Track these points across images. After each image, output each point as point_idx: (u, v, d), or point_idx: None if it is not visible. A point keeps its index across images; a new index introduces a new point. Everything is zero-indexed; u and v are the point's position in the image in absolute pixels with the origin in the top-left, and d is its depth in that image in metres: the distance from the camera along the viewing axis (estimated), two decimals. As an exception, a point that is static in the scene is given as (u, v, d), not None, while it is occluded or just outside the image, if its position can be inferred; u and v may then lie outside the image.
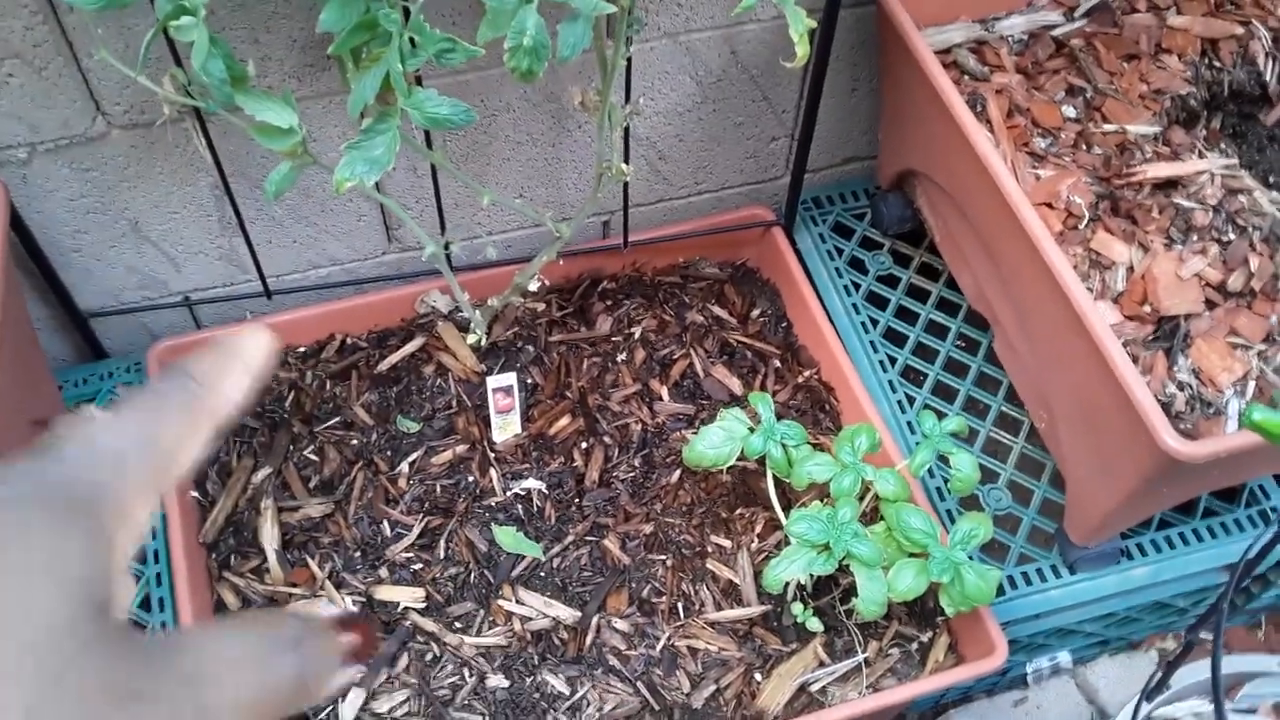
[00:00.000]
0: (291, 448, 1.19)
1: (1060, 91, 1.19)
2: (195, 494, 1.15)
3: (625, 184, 1.22)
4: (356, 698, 1.04)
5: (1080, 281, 0.97)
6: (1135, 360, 0.99)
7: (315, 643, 0.36)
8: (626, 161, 1.10)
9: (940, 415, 1.06)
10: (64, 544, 0.29)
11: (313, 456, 1.19)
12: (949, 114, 1.08)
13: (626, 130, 1.12)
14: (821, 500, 1.07)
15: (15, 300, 1.06)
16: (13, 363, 0.99)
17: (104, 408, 0.34)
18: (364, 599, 1.10)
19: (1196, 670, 1.09)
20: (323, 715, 1.03)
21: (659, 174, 1.33)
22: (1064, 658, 1.33)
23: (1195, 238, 1.06)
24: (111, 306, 1.24)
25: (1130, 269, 1.05)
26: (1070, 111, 1.17)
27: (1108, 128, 1.15)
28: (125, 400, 0.34)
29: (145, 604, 1.10)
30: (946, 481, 1.20)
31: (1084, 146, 1.14)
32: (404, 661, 1.07)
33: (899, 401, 1.25)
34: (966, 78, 1.19)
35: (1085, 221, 1.07)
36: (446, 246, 1.14)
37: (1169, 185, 1.09)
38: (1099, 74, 1.19)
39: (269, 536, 1.13)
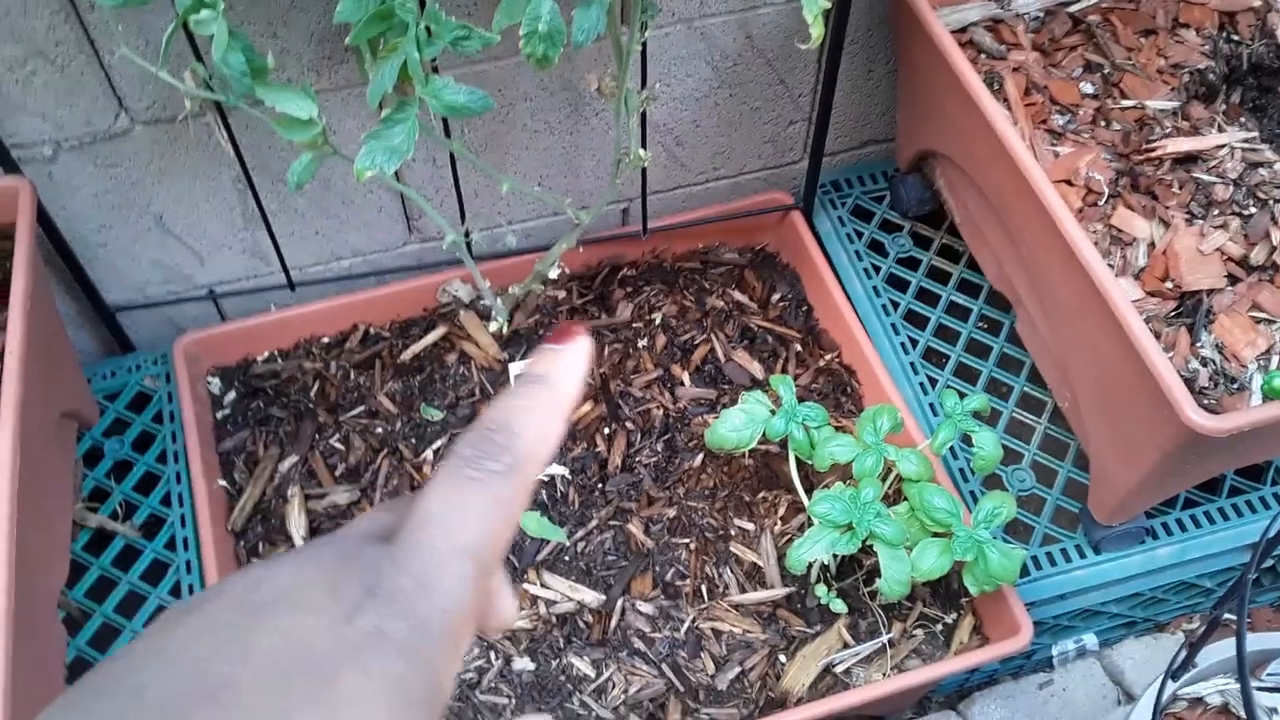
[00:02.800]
0: (317, 437, 1.20)
1: (1078, 68, 1.18)
2: (223, 482, 1.17)
3: (643, 171, 1.23)
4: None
5: (1101, 258, 0.97)
6: (1158, 336, 0.99)
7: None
8: (644, 147, 1.10)
9: (962, 396, 1.06)
10: (407, 677, 0.27)
11: (338, 445, 1.20)
12: (966, 93, 1.08)
13: (643, 116, 1.12)
14: (844, 482, 1.07)
15: (43, 295, 1.08)
16: (42, 356, 1.01)
17: (427, 490, 0.30)
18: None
19: (1222, 649, 1.08)
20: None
21: (677, 160, 1.33)
22: (1090, 640, 1.33)
23: (1216, 212, 1.05)
24: (137, 301, 1.26)
25: (1151, 245, 1.04)
26: (1088, 88, 1.16)
27: (1126, 103, 1.14)
28: (438, 488, 0.30)
29: (175, 591, 1.11)
30: (970, 463, 1.20)
31: (1102, 123, 1.13)
32: (431, 646, 1.08)
33: (920, 384, 1.25)
34: (983, 56, 1.18)
35: (1105, 198, 1.07)
36: (467, 235, 1.15)
37: (1189, 160, 1.09)
38: (1116, 50, 1.18)
39: (296, 524, 1.14)
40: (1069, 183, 1.08)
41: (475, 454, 0.30)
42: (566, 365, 0.34)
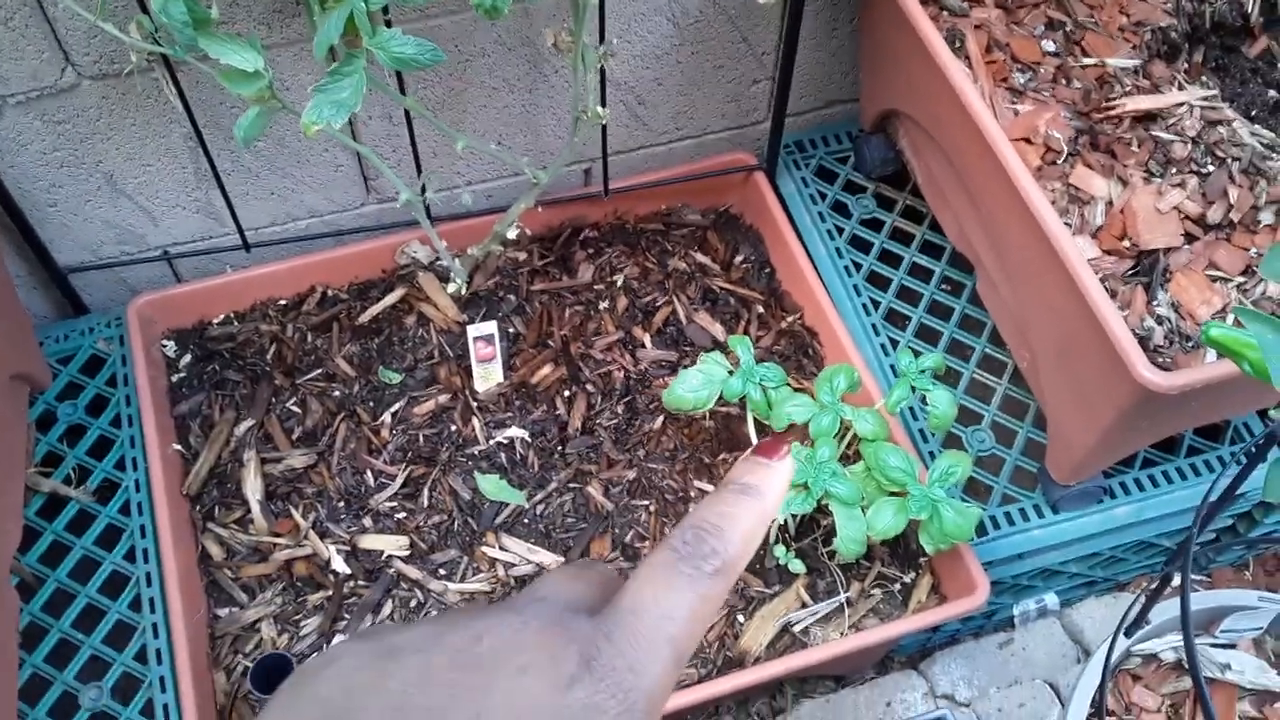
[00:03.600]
0: (274, 400, 1.19)
1: (1040, 26, 1.18)
2: (178, 446, 1.15)
3: (604, 130, 1.21)
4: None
5: (1058, 216, 0.96)
6: (1114, 295, 0.98)
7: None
8: (603, 105, 1.09)
9: (919, 356, 1.06)
10: None
11: (295, 409, 1.19)
12: (927, 51, 1.07)
13: (602, 73, 1.11)
14: (801, 442, 1.07)
15: (-10, 255, 1.06)
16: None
17: (641, 576, 0.32)
18: (348, 548, 1.11)
19: (1176, 606, 1.09)
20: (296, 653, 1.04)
21: (639, 120, 1.31)
22: (1051, 600, 1.34)
23: (1174, 171, 1.05)
24: (90, 262, 1.23)
25: (1109, 203, 1.04)
26: (1050, 46, 1.15)
27: (1087, 61, 1.14)
28: (650, 577, 0.32)
29: (130, 556, 1.10)
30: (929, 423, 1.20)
31: (1063, 81, 1.13)
32: (388, 609, 1.08)
33: (882, 345, 1.25)
34: (945, 14, 1.17)
35: (1064, 156, 1.06)
36: (423, 194, 1.13)
37: (1148, 118, 1.08)
38: (1079, 7, 1.18)
39: (252, 488, 1.13)
40: (1028, 141, 1.08)
41: (690, 551, 0.33)
42: (775, 480, 0.36)
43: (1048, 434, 1.13)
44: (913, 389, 1.01)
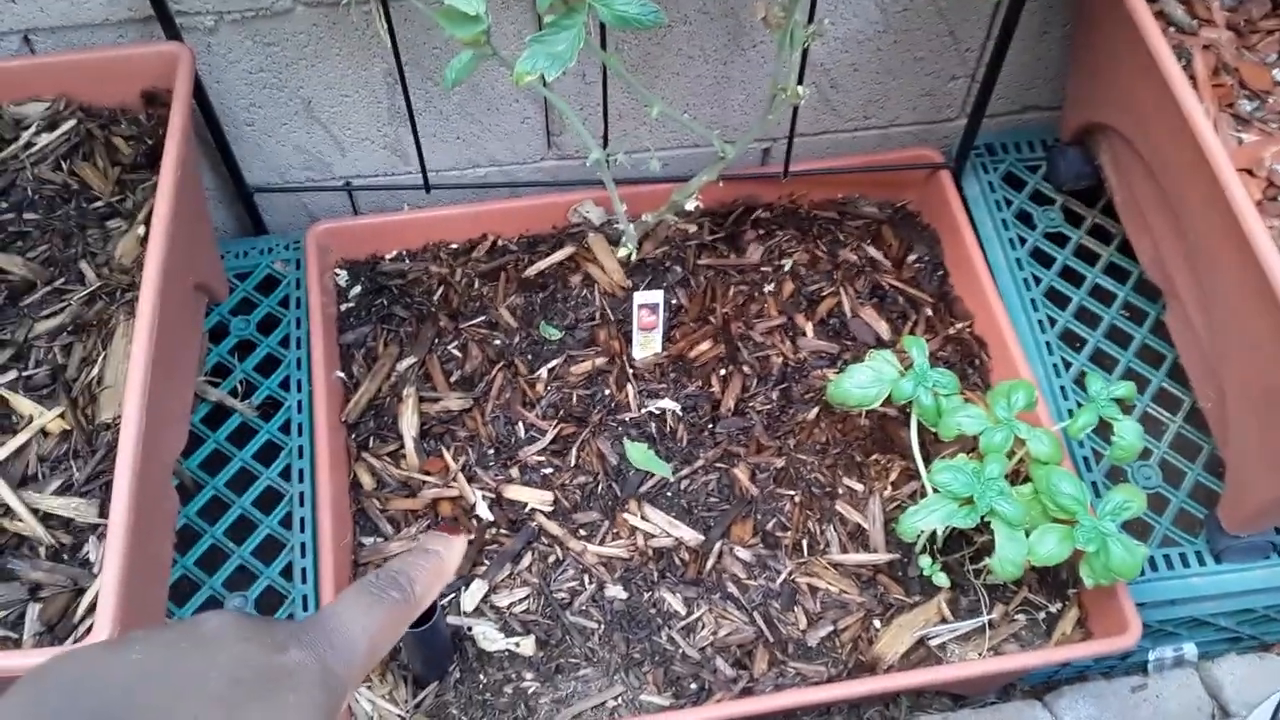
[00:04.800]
0: (436, 341, 1.21)
1: (1273, 54, 1.11)
2: (341, 374, 1.18)
3: (794, 111, 1.19)
4: (479, 589, 1.06)
5: (1279, 255, 0.91)
6: (1328, 345, 0.93)
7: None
8: (801, 84, 1.06)
9: (1101, 381, 1.01)
10: (323, 703, 0.37)
11: (456, 352, 1.20)
12: (1153, 64, 1.02)
13: (805, 52, 1.09)
14: (966, 454, 1.04)
15: (192, 165, 1.09)
16: (185, 226, 1.02)
17: (338, 600, 0.42)
18: (493, 495, 1.12)
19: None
20: (445, 602, 1.05)
21: (828, 104, 1.29)
22: (1189, 650, 1.28)
23: None
24: (276, 183, 1.26)
25: (1332, 249, 0.98)
26: (1283, 76, 1.09)
27: (1324, 96, 1.07)
28: (351, 596, 0.42)
29: (285, 474, 1.13)
30: (1096, 453, 1.16)
31: (1295, 114, 1.06)
32: (527, 560, 1.09)
33: (1054, 365, 1.20)
34: (1172, 29, 1.11)
35: (1288, 194, 1.00)
36: (609, 155, 1.13)
37: (1387, 164, 1.01)
38: (1320, 38, 1.11)
39: (408, 424, 1.15)
40: (1250, 172, 1.02)
41: (382, 585, 0.43)
42: (454, 549, 0.48)
43: (1225, 480, 1.08)
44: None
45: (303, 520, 1.10)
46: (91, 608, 0.85)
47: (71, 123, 1.09)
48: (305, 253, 1.21)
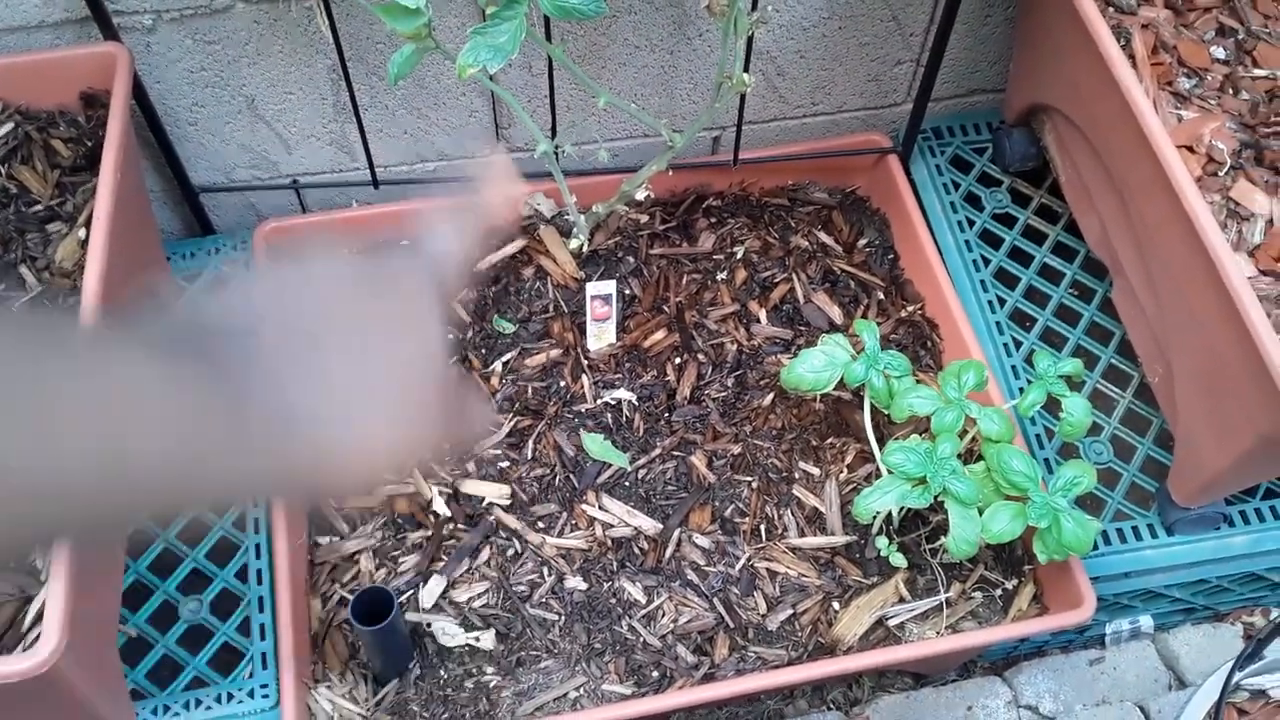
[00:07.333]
0: (388, 337, 1.20)
1: (1210, 31, 1.13)
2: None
3: (741, 98, 1.19)
4: (437, 585, 1.06)
5: (1220, 230, 0.92)
6: (1267, 316, 0.94)
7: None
8: (747, 72, 1.07)
9: (1050, 359, 1.02)
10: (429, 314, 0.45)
11: (409, 348, 1.19)
12: (1092, 44, 1.03)
13: (750, 40, 1.09)
14: (919, 435, 1.04)
15: (133, 167, 1.08)
16: (128, 229, 1.01)
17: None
18: (450, 491, 1.11)
19: (1292, 644, 1.05)
20: (403, 599, 1.05)
21: (776, 91, 1.29)
22: (1145, 621, 1.30)
23: (1345, 194, 1.00)
24: (222, 183, 1.25)
25: (1270, 222, 0.99)
26: (1219, 53, 1.11)
27: (1258, 73, 1.09)
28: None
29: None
30: (1048, 430, 1.17)
31: (1231, 91, 1.08)
32: (485, 555, 1.08)
33: (1005, 344, 1.22)
34: (1111, 9, 1.13)
35: (1226, 169, 1.02)
36: (558, 147, 1.13)
37: (1322, 137, 1.03)
38: (1253, 16, 1.12)
39: (362, 422, 1.14)
40: (1190, 149, 1.03)
41: None
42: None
43: (1174, 454, 1.10)
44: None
45: (256, 521, 1.09)
46: (39, 616, 0.84)
47: (9, 126, 1.08)
48: (253, 252, 1.20)
